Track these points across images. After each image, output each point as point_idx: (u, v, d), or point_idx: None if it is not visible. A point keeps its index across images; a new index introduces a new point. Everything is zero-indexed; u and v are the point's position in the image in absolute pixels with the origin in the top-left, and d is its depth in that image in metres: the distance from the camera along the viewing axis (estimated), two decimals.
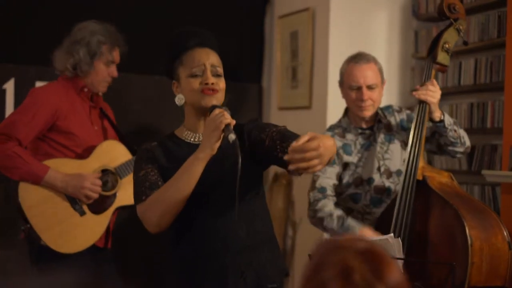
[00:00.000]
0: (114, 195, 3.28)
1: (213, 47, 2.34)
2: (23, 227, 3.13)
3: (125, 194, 3.28)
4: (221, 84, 2.28)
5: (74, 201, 3.19)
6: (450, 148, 3.12)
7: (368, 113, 3.17)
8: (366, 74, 3.14)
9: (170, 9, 4.47)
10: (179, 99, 2.31)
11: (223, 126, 2.12)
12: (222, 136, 2.13)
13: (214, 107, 2.22)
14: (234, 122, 2.15)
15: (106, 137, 3.42)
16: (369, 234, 2.86)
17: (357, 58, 3.20)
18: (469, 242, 2.63)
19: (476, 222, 2.70)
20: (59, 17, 4.16)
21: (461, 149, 3.13)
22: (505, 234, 2.73)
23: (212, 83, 2.25)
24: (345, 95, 3.24)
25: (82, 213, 3.20)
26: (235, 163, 2.08)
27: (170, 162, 2.28)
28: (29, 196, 3.13)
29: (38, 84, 4.10)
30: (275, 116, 4.75)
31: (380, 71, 3.21)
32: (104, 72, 3.35)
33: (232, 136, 2.09)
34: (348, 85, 3.18)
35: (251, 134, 2.29)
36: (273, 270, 2.31)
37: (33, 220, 3.11)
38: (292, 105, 4.57)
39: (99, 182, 3.20)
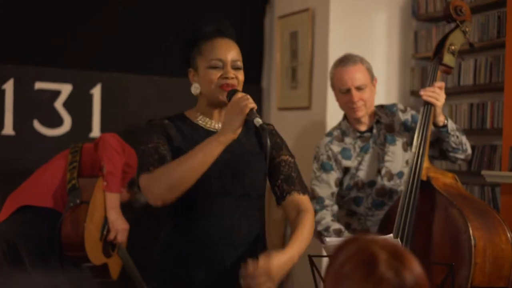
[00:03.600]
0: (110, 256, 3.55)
1: (233, 37, 2.31)
2: (74, 203, 3.28)
3: (112, 262, 3.55)
4: (240, 76, 2.26)
5: (104, 225, 3.40)
6: (452, 154, 3.13)
7: (361, 113, 3.17)
8: (354, 76, 3.14)
9: (170, 10, 4.46)
10: (195, 88, 2.28)
11: (248, 110, 2.08)
12: (245, 120, 2.10)
13: (234, 91, 2.18)
14: (256, 107, 2.12)
15: None
16: None
17: (344, 61, 3.20)
18: (473, 242, 2.63)
19: (479, 223, 2.70)
20: (59, 18, 4.16)
21: (462, 156, 3.14)
22: (509, 235, 2.73)
23: (232, 77, 2.22)
24: (337, 98, 3.26)
25: (101, 238, 3.40)
26: (262, 148, 2.13)
27: (185, 143, 2.23)
28: (100, 192, 3.37)
29: (38, 84, 4.10)
30: (274, 117, 4.75)
31: (369, 71, 3.21)
32: None
33: (258, 120, 2.07)
34: (338, 89, 3.20)
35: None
36: None
37: (90, 205, 3.31)
38: (291, 105, 4.57)
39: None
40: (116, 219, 3.37)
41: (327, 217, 3.09)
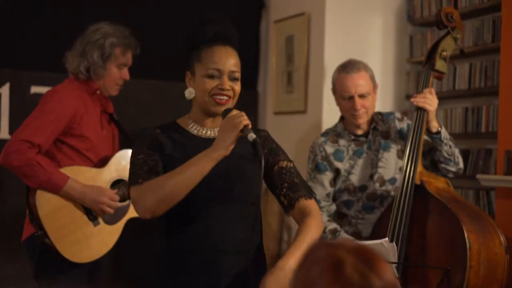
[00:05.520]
0: (127, 206, 3.25)
1: (234, 43, 2.29)
2: (37, 233, 3.04)
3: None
4: (237, 87, 2.25)
5: (89, 211, 3.14)
6: (443, 165, 3.15)
7: (362, 120, 3.20)
8: (357, 84, 3.16)
9: (165, 13, 4.47)
10: (189, 93, 2.27)
11: (241, 126, 2.09)
12: (239, 137, 2.10)
13: (228, 110, 2.19)
14: (250, 125, 2.12)
15: (114, 142, 3.39)
16: None
17: (348, 68, 3.20)
18: (468, 245, 2.64)
19: (474, 226, 2.71)
20: (56, 22, 4.16)
21: (453, 169, 3.16)
22: (502, 238, 2.75)
23: (228, 89, 2.22)
24: (338, 103, 3.27)
25: (97, 224, 3.16)
26: (255, 162, 2.10)
27: (176, 151, 2.24)
28: (47, 204, 3.04)
29: (34, 89, 4.10)
30: (270, 121, 4.76)
31: (372, 78, 3.23)
32: (116, 75, 3.34)
33: (252, 135, 2.07)
34: (340, 95, 3.21)
35: (264, 151, 2.29)
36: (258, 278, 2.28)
37: (49, 228, 3.03)
38: (287, 109, 4.58)
39: (117, 198, 3.16)
40: (89, 204, 3.08)
41: (323, 218, 3.10)
